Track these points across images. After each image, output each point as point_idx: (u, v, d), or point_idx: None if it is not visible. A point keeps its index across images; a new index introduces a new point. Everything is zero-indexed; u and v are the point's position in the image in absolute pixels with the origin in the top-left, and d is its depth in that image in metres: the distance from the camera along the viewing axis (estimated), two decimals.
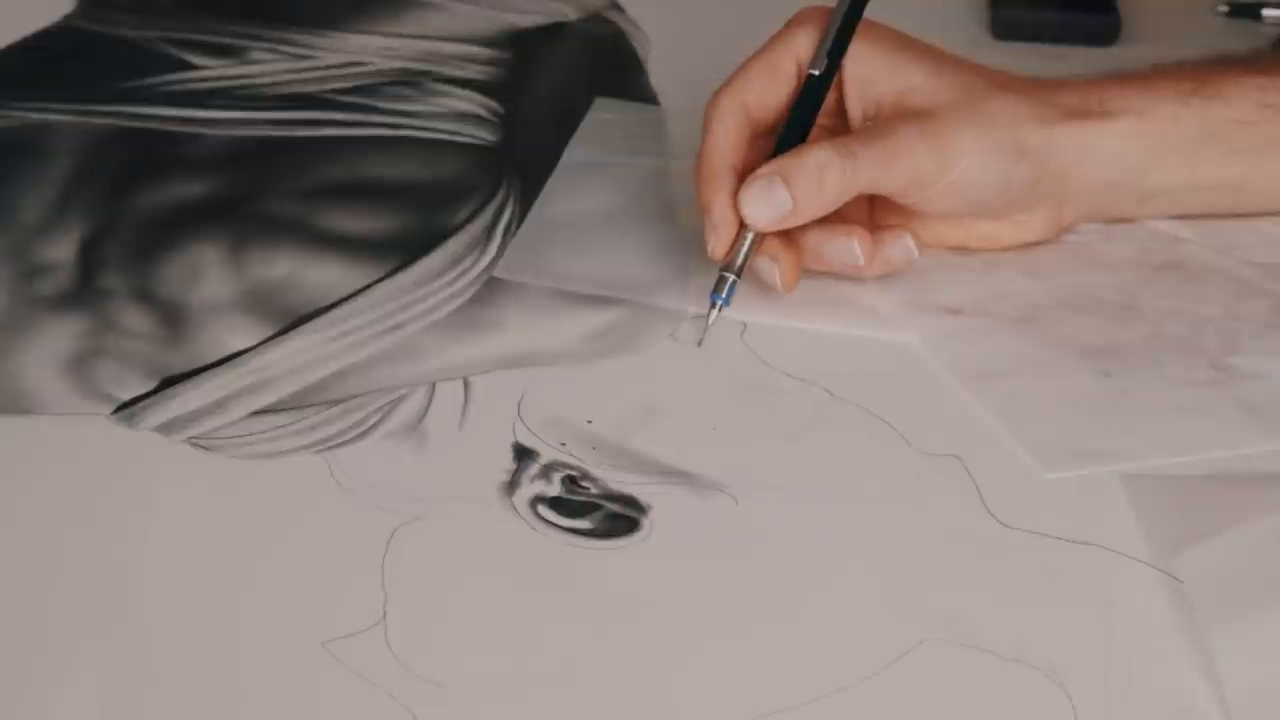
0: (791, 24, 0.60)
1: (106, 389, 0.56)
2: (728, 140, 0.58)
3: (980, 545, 0.51)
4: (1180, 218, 0.64)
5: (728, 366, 0.58)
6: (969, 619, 0.48)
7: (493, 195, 0.66)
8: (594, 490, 0.52)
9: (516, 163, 0.69)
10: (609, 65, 0.77)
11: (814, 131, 0.59)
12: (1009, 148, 0.58)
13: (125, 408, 0.56)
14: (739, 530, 0.51)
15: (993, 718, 0.45)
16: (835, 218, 0.58)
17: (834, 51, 0.59)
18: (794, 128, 0.59)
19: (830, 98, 0.60)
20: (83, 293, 0.61)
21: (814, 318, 0.60)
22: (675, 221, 0.65)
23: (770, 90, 0.59)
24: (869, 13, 0.60)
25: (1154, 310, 0.60)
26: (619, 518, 0.51)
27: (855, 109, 0.60)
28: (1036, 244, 0.62)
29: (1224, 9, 0.81)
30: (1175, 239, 0.64)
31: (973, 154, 0.58)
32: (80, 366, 0.57)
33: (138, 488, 0.53)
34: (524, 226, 0.65)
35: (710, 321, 0.57)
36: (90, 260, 0.63)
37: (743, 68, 0.60)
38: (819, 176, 0.56)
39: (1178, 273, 0.62)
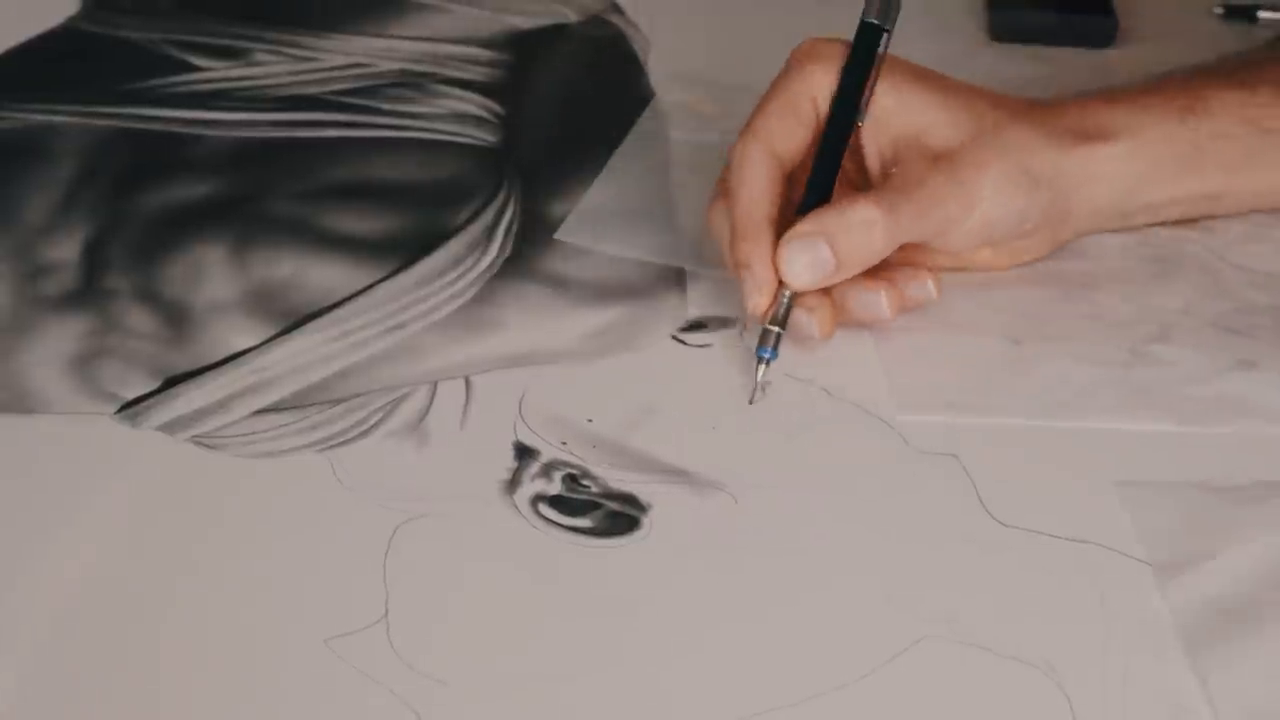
0: (801, 60, 0.59)
1: (110, 388, 0.57)
2: (762, 192, 0.56)
3: (978, 544, 0.51)
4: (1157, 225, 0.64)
5: (727, 366, 0.58)
6: (967, 617, 0.48)
7: (493, 196, 0.67)
8: (594, 489, 0.53)
9: (517, 163, 0.69)
10: (609, 67, 0.77)
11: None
12: (1026, 180, 0.58)
13: (129, 407, 0.56)
14: (738, 529, 0.51)
15: (990, 715, 0.45)
16: None
17: (847, 104, 0.58)
18: (822, 177, 0.57)
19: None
20: (86, 293, 0.61)
21: None
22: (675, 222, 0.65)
23: (793, 133, 0.58)
24: None
25: (1111, 294, 0.61)
26: (619, 516, 0.52)
27: (870, 148, 0.59)
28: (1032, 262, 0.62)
29: (1220, 10, 0.82)
30: (1182, 239, 0.64)
31: (995, 193, 0.57)
32: (84, 366, 0.58)
33: (141, 487, 0.53)
34: (588, 193, 0.66)
35: (760, 378, 0.56)
36: (94, 260, 0.63)
37: (761, 112, 0.58)
38: (865, 235, 0.55)
39: (1161, 265, 0.62)
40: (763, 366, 0.56)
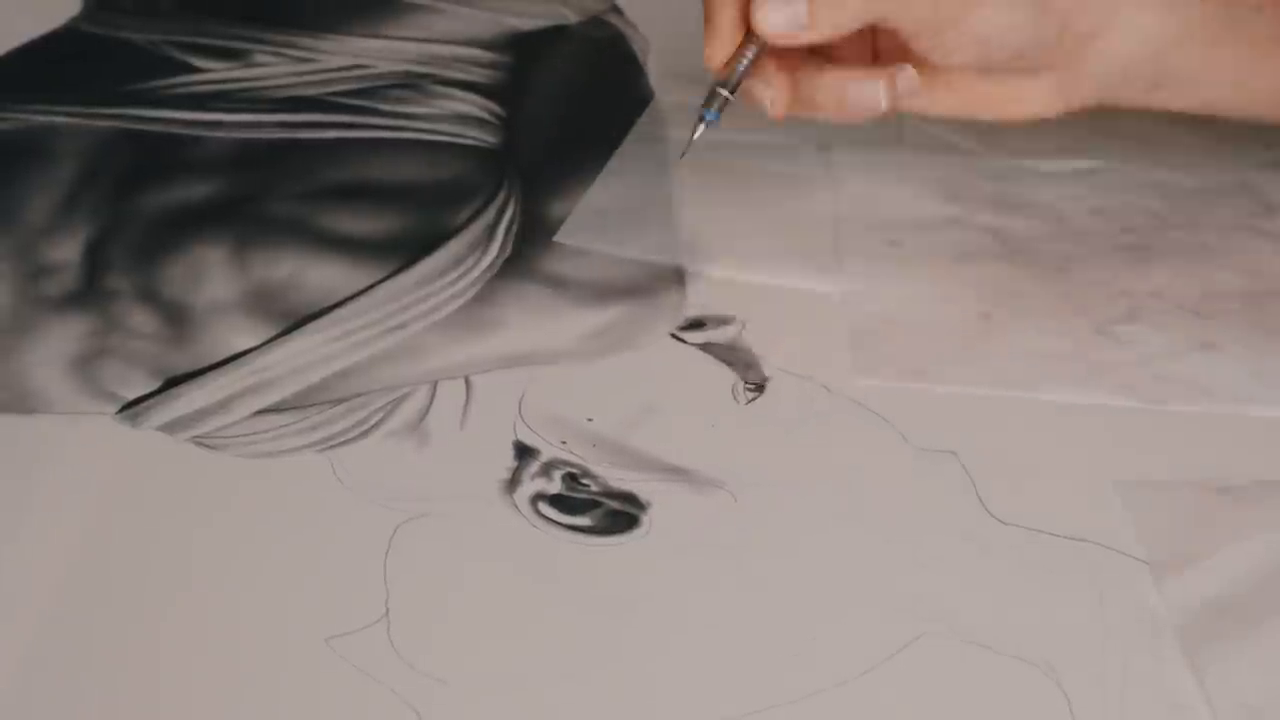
0: None
1: (111, 389, 0.57)
2: None
3: (977, 542, 0.51)
4: (1177, 113, 0.60)
5: (726, 364, 0.58)
6: (966, 615, 0.48)
7: (494, 196, 0.67)
8: (594, 488, 0.53)
9: (517, 164, 0.69)
10: (609, 68, 0.77)
11: None
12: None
13: (130, 407, 0.56)
14: (738, 526, 0.51)
15: (989, 713, 0.46)
16: (840, 60, 0.56)
17: None
18: None
19: None
20: (88, 293, 0.61)
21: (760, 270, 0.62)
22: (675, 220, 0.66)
23: None
24: None
25: (1085, 275, 0.61)
26: (619, 515, 0.52)
27: None
28: (1037, 119, 0.58)
29: None
30: (1167, 225, 0.64)
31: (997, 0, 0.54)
32: (85, 366, 0.58)
33: (142, 486, 0.53)
34: (588, 193, 0.66)
35: (695, 136, 0.55)
36: (95, 261, 0.63)
37: None
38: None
39: (1139, 252, 0.62)
40: (700, 126, 0.55)
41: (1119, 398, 0.56)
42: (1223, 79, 0.57)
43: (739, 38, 0.54)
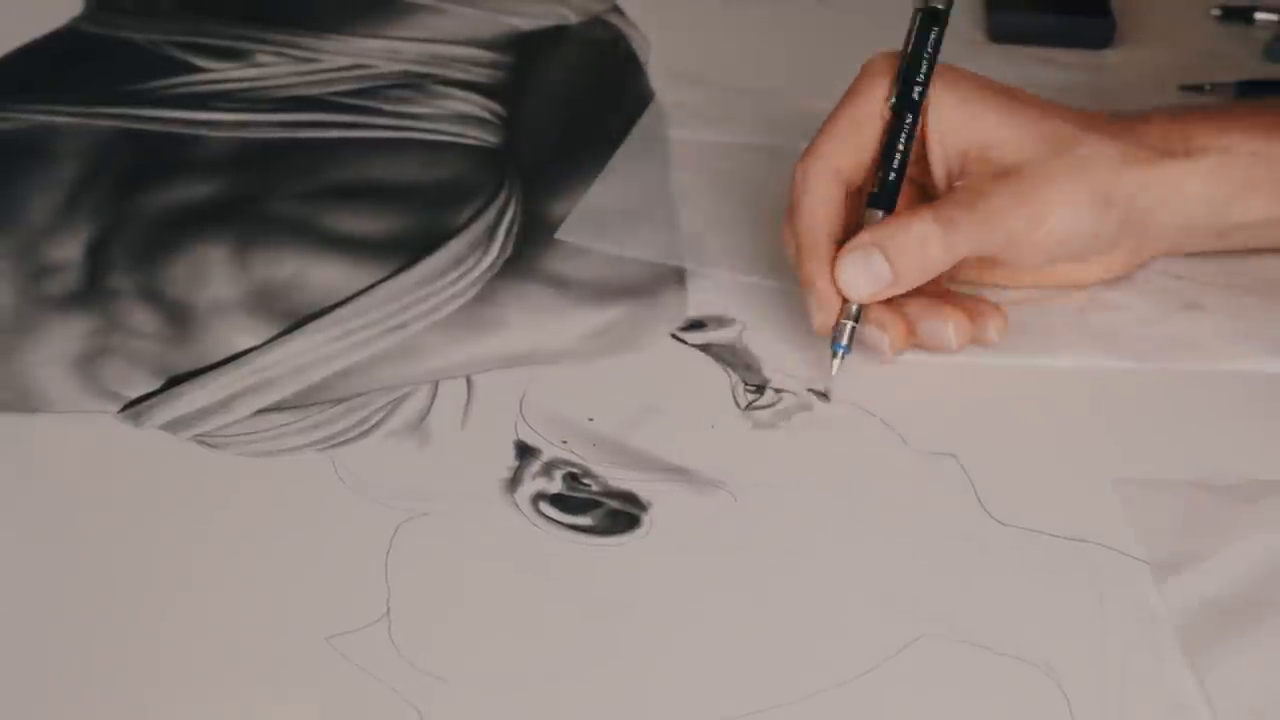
0: (866, 74, 0.58)
1: (113, 387, 0.57)
2: (824, 211, 0.57)
3: (976, 542, 0.51)
4: (1257, 251, 0.63)
5: (726, 365, 0.58)
6: (966, 615, 0.48)
7: (495, 196, 0.67)
8: (595, 487, 0.53)
9: (518, 164, 0.69)
10: (609, 68, 0.77)
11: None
12: (1099, 197, 0.57)
13: (132, 406, 0.56)
14: (738, 527, 0.52)
15: (989, 713, 0.46)
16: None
17: (903, 97, 0.57)
18: (885, 185, 0.57)
19: (913, 149, 0.58)
20: (90, 293, 0.62)
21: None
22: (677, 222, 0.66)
23: (859, 149, 0.57)
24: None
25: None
26: (620, 514, 0.52)
27: (938, 162, 0.58)
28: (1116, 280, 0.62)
29: (1217, 12, 0.82)
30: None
31: (1064, 209, 0.56)
32: (87, 365, 0.58)
33: (144, 485, 0.53)
34: (589, 193, 0.66)
35: (834, 372, 0.56)
36: (97, 261, 0.63)
37: (827, 130, 0.58)
38: (921, 248, 0.55)
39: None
40: (837, 361, 0.56)
41: (1126, 359, 0.58)
42: None
43: (840, 302, 0.56)
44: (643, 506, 0.52)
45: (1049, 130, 0.57)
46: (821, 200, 0.57)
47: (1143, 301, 0.61)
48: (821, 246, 0.56)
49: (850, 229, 0.57)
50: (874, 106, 0.58)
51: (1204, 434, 0.55)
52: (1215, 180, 0.58)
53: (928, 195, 0.59)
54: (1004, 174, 0.56)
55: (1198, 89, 0.74)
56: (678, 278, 0.63)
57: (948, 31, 0.59)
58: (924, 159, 0.59)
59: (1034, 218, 0.56)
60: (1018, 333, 0.58)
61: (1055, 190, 0.56)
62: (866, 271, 0.55)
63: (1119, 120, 0.59)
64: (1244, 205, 0.59)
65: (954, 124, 0.57)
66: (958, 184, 0.57)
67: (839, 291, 0.56)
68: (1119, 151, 0.57)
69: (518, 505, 0.52)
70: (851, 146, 0.57)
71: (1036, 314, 0.59)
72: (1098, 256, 0.60)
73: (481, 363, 0.58)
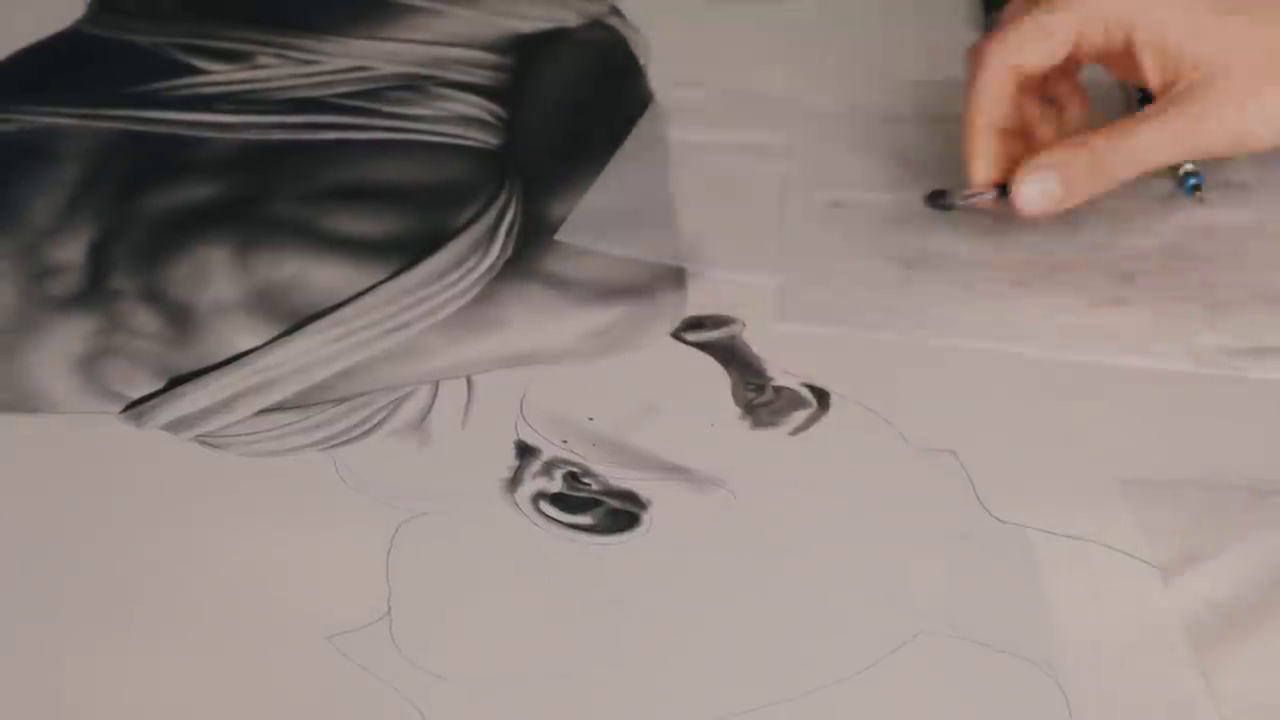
0: None
1: (116, 388, 0.57)
2: (984, 101, 0.59)
3: (976, 540, 0.51)
4: None
5: (726, 365, 0.59)
6: (965, 613, 0.48)
7: (495, 197, 0.67)
8: (595, 486, 0.53)
9: (518, 165, 0.69)
10: (609, 70, 0.77)
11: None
12: None
13: (134, 406, 0.56)
14: (738, 525, 0.52)
15: (987, 710, 0.46)
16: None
17: None
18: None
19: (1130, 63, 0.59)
20: (92, 294, 0.62)
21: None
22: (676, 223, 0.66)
23: (1043, 55, 0.59)
24: None
25: (1016, 239, 0.62)
26: (620, 513, 0.52)
27: (1153, 73, 0.58)
28: None
29: None
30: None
31: (1265, 119, 0.57)
32: (90, 366, 0.58)
33: (146, 485, 0.53)
34: (589, 194, 0.67)
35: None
36: (99, 262, 0.63)
37: (1015, 26, 0.60)
38: (1094, 172, 0.58)
39: (1070, 216, 0.62)
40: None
41: (1031, 346, 0.58)
42: None
43: (989, 187, 0.59)
44: (643, 505, 0.52)
45: (1256, 37, 0.57)
46: (983, 90, 0.59)
47: (1072, 290, 0.61)
48: (980, 135, 0.59)
49: (1029, 119, 0.60)
50: (1072, 24, 0.59)
51: (1206, 434, 0.55)
52: None
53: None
54: (1207, 85, 0.57)
55: None
56: (677, 278, 0.63)
57: (942, 30, 0.59)
58: (1138, 65, 0.59)
59: (1237, 136, 0.57)
60: (932, 308, 0.59)
61: (1263, 103, 0.57)
62: (1040, 190, 0.58)
63: None
64: None
65: (1176, 33, 0.58)
66: (1169, 88, 0.58)
67: (990, 180, 0.59)
68: None
69: (518, 504, 0.52)
70: (1037, 51, 0.59)
71: (1040, 313, 0.59)
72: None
73: (482, 363, 0.59)
